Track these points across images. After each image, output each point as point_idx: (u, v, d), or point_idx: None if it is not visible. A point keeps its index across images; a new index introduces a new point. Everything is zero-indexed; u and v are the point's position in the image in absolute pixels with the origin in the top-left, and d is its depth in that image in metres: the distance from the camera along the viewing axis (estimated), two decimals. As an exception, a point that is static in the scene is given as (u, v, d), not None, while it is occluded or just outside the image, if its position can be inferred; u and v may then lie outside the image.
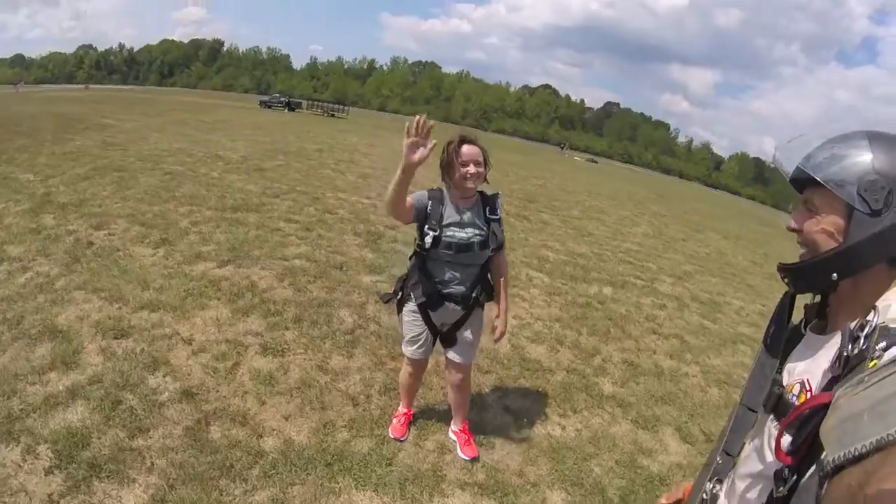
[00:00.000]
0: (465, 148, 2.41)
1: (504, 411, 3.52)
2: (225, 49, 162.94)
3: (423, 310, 2.60)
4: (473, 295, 2.59)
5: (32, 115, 20.47)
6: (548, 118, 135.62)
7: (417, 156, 2.09)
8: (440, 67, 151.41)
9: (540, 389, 3.79)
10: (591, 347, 4.66)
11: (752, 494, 0.98)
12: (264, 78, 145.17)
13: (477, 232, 2.48)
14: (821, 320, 1.04)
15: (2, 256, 5.09)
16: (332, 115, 50.48)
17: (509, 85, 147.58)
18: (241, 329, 4.05)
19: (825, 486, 0.65)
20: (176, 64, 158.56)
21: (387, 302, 2.77)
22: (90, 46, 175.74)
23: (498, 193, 2.64)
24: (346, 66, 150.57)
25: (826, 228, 0.93)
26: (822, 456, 0.67)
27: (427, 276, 2.54)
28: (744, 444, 1.10)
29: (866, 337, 0.78)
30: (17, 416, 2.88)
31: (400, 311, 2.72)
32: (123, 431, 2.83)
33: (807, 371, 0.96)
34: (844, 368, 0.80)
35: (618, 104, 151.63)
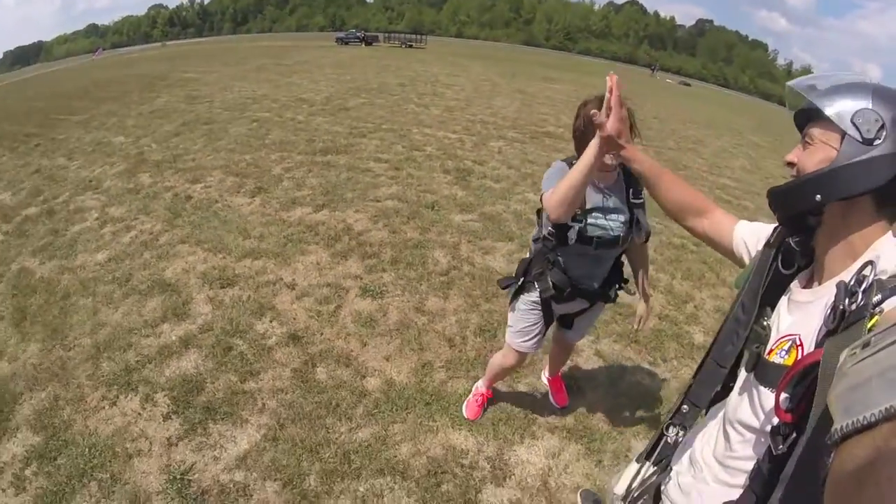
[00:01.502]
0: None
1: (595, 356, 3.70)
2: None
3: (547, 302, 2.45)
4: (606, 291, 2.45)
5: (115, 79, 22.93)
6: (636, 37, 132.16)
7: (613, 128, 1.63)
8: None
9: (631, 335, 3.92)
10: (683, 293, 4.76)
11: (745, 448, 1.07)
12: (338, 14, 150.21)
13: (623, 220, 2.21)
14: (806, 271, 1.13)
15: (105, 219, 5.97)
16: (410, 46, 51.62)
17: (593, 3, 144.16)
18: (340, 272, 4.48)
19: (833, 455, 0.66)
20: (248, 10, 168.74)
21: (505, 288, 2.59)
22: (161, 5, 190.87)
23: None
24: None
25: (819, 158, 1.02)
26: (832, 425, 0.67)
27: (559, 267, 2.34)
28: (720, 395, 1.23)
29: (864, 291, 0.84)
30: (134, 367, 3.46)
31: (515, 299, 2.55)
32: (235, 375, 3.31)
33: (796, 326, 1.04)
34: (840, 323, 0.84)
35: (711, 21, 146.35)
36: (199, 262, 4.71)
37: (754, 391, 1.06)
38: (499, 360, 2.84)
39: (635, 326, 2.55)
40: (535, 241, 2.45)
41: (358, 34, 56.07)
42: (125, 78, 22.51)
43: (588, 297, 2.43)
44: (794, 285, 1.13)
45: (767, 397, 1.02)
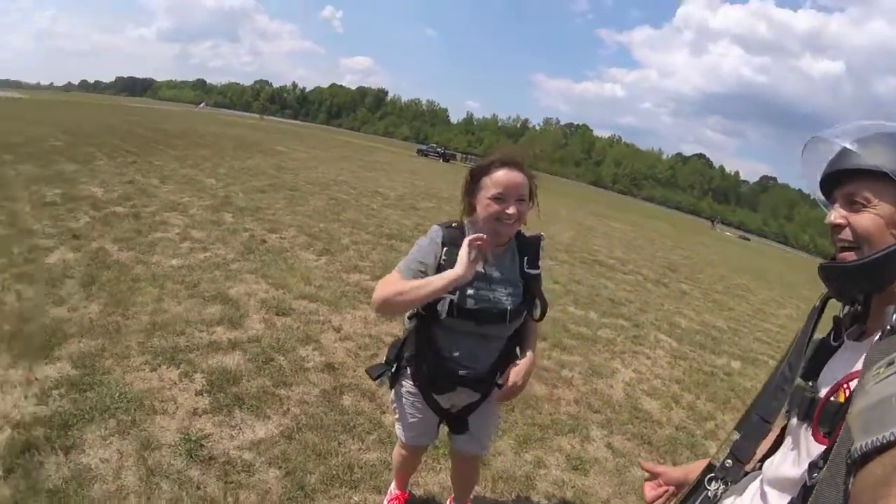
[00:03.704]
0: (504, 174, 1.91)
1: (606, 447, 3.85)
2: (388, 98, 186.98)
3: (426, 391, 2.18)
4: (495, 378, 2.14)
5: (214, 132, 25.68)
6: (701, 189, 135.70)
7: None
8: (592, 130, 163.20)
9: (645, 437, 4.09)
10: (706, 412, 4.87)
11: (783, 502, 1.04)
12: (422, 129, 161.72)
13: (510, 293, 2.02)
14: (859, 326, 1.10)
15: (185, 236, 6.87)
16: None
17: (661, 152, 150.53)
18: (383, 330, 4.95)
19: (853, 475, 0.67)
20: (343, 107, 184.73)
21: (376, 379, 2.26)
22: (266, 82, 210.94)
23: (541, 236, 2.16)
24: (499, 124, 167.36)
25: (882, 220, 0.96)
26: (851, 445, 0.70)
27: (434, 349, 2.07)
28: (767, 453, 1.22)
29: None
30: (182, 349, 3.98)
31: (393, 386, 2.29)
32: (270, 381, 3.76)
33: (842, 373, 1.02)
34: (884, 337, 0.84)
35: (774, 178, 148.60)
36: (262, 290, 5.35)
37: (802, 441, 1.04)
38: (396, 454, 2.62)
39: (498, 395, 2.14)
40: (410, 318, 2.13)
41: (438, 149, 60.64)
42: (223, 134, 25.26)
43: (472, 385, 2.10)
44: (846, 339, 1.10)
45: (815, 446, 0.98)
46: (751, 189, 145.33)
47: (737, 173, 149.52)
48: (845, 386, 0.96)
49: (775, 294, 15.34)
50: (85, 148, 13.95)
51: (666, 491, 1.41)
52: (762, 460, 1.22)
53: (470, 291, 1.95)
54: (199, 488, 2.69)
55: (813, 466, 0.92)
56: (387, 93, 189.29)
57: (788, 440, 1.12)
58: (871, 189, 0.97)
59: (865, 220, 0.97)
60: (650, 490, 1.44)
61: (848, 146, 0.99)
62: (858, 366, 0.89)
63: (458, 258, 1.79)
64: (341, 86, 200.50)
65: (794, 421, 1.10)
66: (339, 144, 37.45)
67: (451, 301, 1.92)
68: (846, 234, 1.01)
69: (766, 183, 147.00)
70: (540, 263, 2.10)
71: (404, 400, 2.26)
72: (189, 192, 9.75)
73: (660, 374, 5.42)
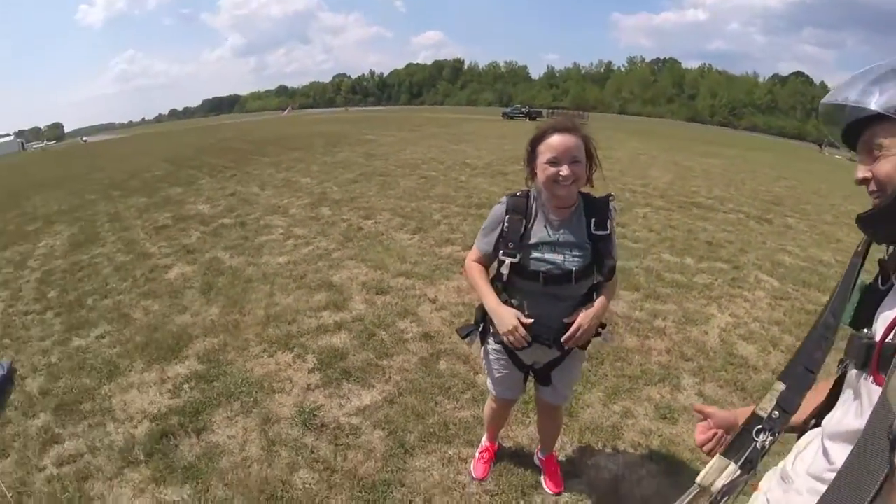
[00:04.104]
0: (557, 139, 2.00)
1: (697, 395, 3.75)
2: (466, 67, 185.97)
3: (509, 348, 2.31)
4: None
5: (302, 134, 27.00)
6: (803, 110, 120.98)
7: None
8: (680, 63, 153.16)
9: (738, 384, 3.93)
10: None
11: (844, 456, 0.97)
12: (505, 91, 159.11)
13: (577, 255, 2.10)
14: None
15: (289, 234, 7.50)
16: None
17: (757, 75, 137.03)
18: (476, 297, 5.09)
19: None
20: (423, 84, 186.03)
21: (465, 337, 2.44)
22: (344, 75, 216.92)
23: (610, 197, 2.20)
24: (583, 72, 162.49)
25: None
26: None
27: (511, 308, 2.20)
28: (823, 409, 1.20)
29: None
30: (294, 335, 4.45)
31: (482, 345, 2.49)
32: (373, 354, 4.12)
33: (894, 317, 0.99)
34: None
35: None
36: (362, 274, 5.78)
37: (863, 390, 1.01)
38: (487, 407, 2.81)
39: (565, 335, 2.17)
40: (492, 281, 2.30)
41: (523, 109, 59.63)
42: (311, 134, 26.53)
43: (547, 342, 2.20)
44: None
45: (877, 392, 0.93)
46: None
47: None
48: None
49: (890, 220, 14.25)
50: (186, 171, 15.28)
51: (715, 434, 1.41)
52: (817, 416, 1.21)
53: (535, 255, 2.08)
54: (312, 452, 3.08)
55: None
56: (463, 62, 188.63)
57: (848, 392, 1.08)
58: (883, 133, 0.95)
59: (884, 166, 0.96)
60: (700, 433, 1.45)
61: (844, 102, 0.99)
62: None
63: (502, 322, 2.11)
64: (417, 63, 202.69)
65: (853, 372, 1.06)
66: (425, 122, 37.98)
67: (512, 263, 2.08)
68: (872, 185, 1.00)
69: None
70: (609, 224, 2.13)
71: (491, 357, 2.44)
72: (287, 193, 10.50)
73: (759, 316, 5.17)
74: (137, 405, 3.63)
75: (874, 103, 0.93)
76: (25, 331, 5.05)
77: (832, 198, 16.01)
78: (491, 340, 2.41)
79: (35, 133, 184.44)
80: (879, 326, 1.02)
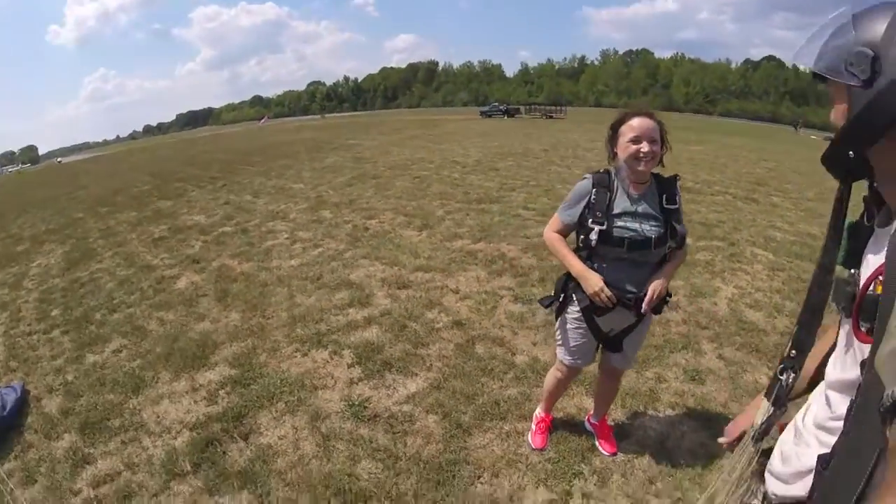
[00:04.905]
0: (637, 121, 2.29)
1: (718, 358, 4.04)
2: (440, 68, 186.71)
3: (589, 315, 2.53)
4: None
5: (285, 142, 26.95)
6: (777, 94, 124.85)
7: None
8: (653, 53, 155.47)
9: (753, 346, 4.23)
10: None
11: (846, 405, 1.01)
12: (480, 90, 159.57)
13: (654, 225, 2.36)
14: (886, 209, 1.11)
15: (295, 238, 7.44)
16: (551, 117, 53.76)
17: (730, 61, 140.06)
18: (496, 285, 5.26)
19: (889, 422, 0.65)
20: (398, 87, 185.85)
21: (548, 307, 2.72)
22: (319, 82, 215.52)
23: (676, 177, 2.49)
24: (557, 67, 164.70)
25: (840, 114, 1.04)
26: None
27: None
28: (828, 355, 1.25)
29: None
30: (325, 333, 4.43)
31: (559, 315, 2.68)
32: (409, 344, 4.13)
33: (878, 263, 1.02)
34: None
35: None
36: (379, 271, 5.78)
37: (854, 343, 1.05)
38: (550, 376, 2.97)
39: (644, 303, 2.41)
40: (576, 250, 2.53)
41: (500, 107, 59.79)
42: (293, 141, 26.54)
43: (629, 305, 2.42)
44: (876, 226, 1.12)
45: (865, 347, 0.97)
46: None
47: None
48: (880, 278, 0.96)
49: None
50: (173, 184, 15.10)
51: (738, 437, 1.49)
52: (824, 362, 1.26)
53: (619, 223, 2.35)
54: (371, 442, 3.07)
55: (863, 366, 0.91)
56: (437, 63, 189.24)
57: (843, 340, 1.12)
58: (831, 88, 1.06)
59: (833, 115, 1.07)
60: (726, 445, 1.54)
61: (804, 66, 1.10)
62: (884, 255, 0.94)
63: (589, 284, 2.37)
64: (391, 67, 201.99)
65: (844, 318, 1.12)
66: (404, 125, 37.95)
67: (601, 231, 2.33)
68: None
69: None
70: (677, 199, 2.40)
71: (569, 325, 2.63)
72: (283, 199, 10.43)
73: (760, 286, 5.52)
74: (172, 416, 3.56)
75: (817, 67, 1.04)
76: (32, 351, 4.91)
77: (813, 176, 16.43)
78: (570, 309, 2.59)
79: (9, 157, 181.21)
80: (864, 270, 1.08)
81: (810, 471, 1.07)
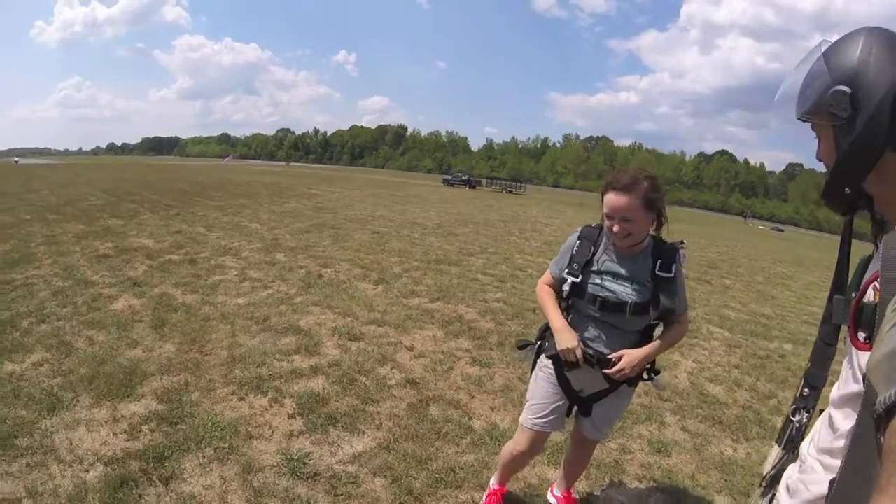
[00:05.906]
0: (610, 197, 2.16)
1: (681, 430, 4.03)
2: (408, 133, 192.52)
3: (559, 365, 2.36)
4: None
5: (246, 182, 26.79)
6: (727, 186, 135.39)
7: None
8: (612, 141, 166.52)
9: (715, 418, 4.30)
10: (767, 391, 5.07)
11: (851, 422, 0.96)
12: (445, 159, 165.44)
13: (636, 290, 2.21)
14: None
15: (244, 276, 7.11)
16: (511, 192, 56.93)
17: (684, 154, 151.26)
18: (453, 346, 5.10)
19: (882, 429, 0.62)
20: (365, 146, 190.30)
21: (521, 349, 2.65)
22: (288, 130, 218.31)
23: (681, 244, 2.34)
24: (520, 146, 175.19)
25: (828, 151, 1.09)
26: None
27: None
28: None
29: None
30: (266, 378, 4.09)
31: (535, 365, 2.54)
32: (357, 400, 3.85)
33: (874, 269, 1.06)
34: None
35: (801, 165, 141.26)
36: (330, 320, 5.50)
37: (854, 353, 1.03)
38: (510, 447, 2.65)
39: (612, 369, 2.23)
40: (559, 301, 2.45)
41: (463, 177, 62.78)
42: (255, 182, 26.45)
43: (594, 364, 2.25)
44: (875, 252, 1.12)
45: (862, 355, 0.97)
46: (778, 179, 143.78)
47: (762, 165, 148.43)
48: (874, 285, 0.98)
49: (815, 279, 15.40)
50: (126, 204, 14.61)
51: None
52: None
53: (595, 280, 2.25)
54: (309, 503, 2.74)
55: (865, 377, 0.87)
56: (406, 128, 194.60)
57: (846, 359, 1.10)
58: (816, 127, 1.12)
59: (821, 152, 1.12)
60: None
61: (783, 106, 1.17)
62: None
63: (562, 340, 2.25)
64: (361, 126, 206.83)
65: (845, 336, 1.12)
66: (367, 183, 38.58)
67: (573, 283, 2.25)
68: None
69: (793, 170, 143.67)
70: (674, 269, 2.23)
71: (540, 374, 2.46)
72: (237, 237, 10.13)
73: (719, 361, 5.69)
74: (87, 445, 3.13)
75: (801, 114, 1.11)
76: (-57, 351, 4.39)
77: (761, 261, 17.41)
78: (543, 357, 2.46)
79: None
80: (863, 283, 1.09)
81: (819, 498, 1.04)
